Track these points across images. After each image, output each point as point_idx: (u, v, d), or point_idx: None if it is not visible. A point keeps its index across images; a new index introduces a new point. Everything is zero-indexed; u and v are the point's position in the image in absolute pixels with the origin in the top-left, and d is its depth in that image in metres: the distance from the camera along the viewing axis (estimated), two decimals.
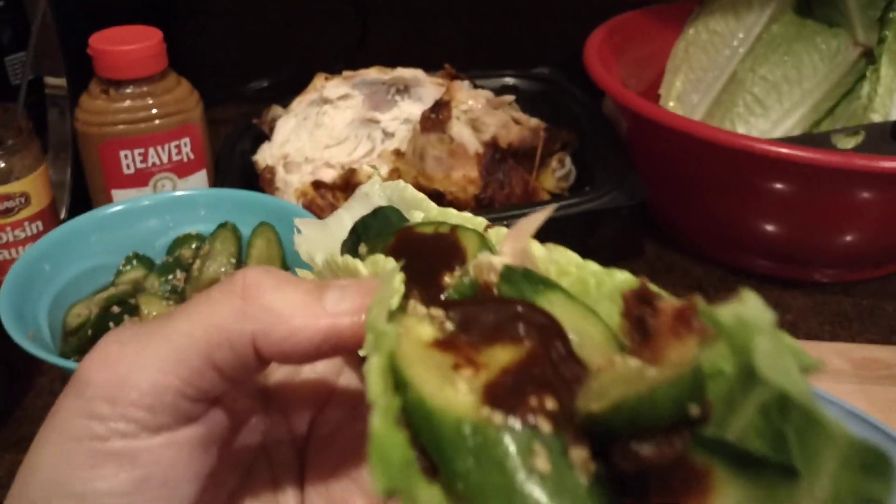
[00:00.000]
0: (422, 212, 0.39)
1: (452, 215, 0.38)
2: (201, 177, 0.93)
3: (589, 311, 0.30)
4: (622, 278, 0.31)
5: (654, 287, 0.30)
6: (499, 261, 0.32)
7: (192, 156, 0.92)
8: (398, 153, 0.92)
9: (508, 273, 0.31)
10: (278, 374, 0.38)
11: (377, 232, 0.39)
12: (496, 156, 0.89)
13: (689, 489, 0.23)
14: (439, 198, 0.88)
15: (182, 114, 0.90)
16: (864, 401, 0.74)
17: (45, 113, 0.98)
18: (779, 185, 0.87)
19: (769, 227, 0.92)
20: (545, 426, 0.25)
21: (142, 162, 0.89)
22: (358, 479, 0.37)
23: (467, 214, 0.38)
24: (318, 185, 0.90)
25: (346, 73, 0.98)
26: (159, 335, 0.31)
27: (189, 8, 1.29)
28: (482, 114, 0.90)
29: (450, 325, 0.29)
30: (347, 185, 0.89)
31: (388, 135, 0.96)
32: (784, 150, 0.81)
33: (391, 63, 1.01)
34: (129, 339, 0.31)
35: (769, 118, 1.05)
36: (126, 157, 0.88)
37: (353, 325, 0.30)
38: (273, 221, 0.77)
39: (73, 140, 0.93)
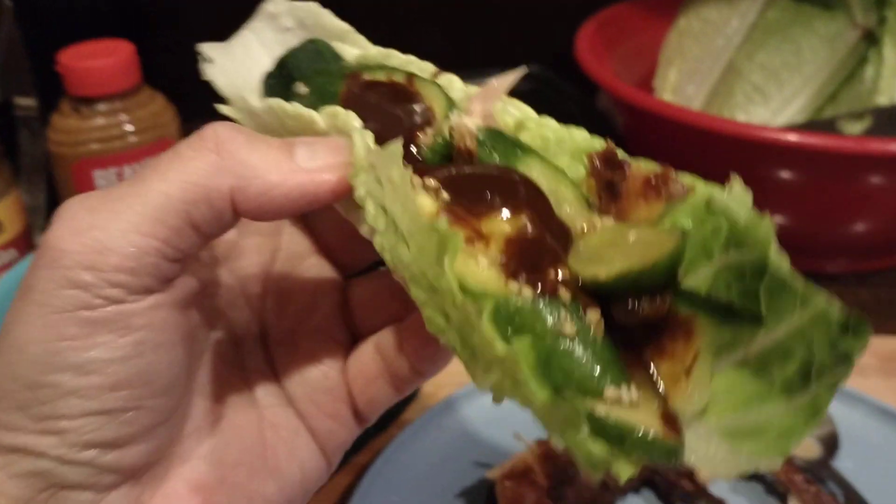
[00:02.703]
0: (352, 47, 0.40)
1: (396, 57, 0.38)
2: None
3: (560, 173, 0.33)
4: (582, 137, 0.34)
5: (620, 151, 0.33)
6: (473, 123, 0.32)
7: None
8: None
9: (487, 137, 0.32)
10: (222, 239, 0.38)
11: (316, 70, 0.38)
12: None
13: (675, 335, 0.28)
14: None
15: (158, 129, 0.86)
16: (893, 396, 0.70)
17: (16, 135, 0.93)
18: (786, 175, 0.84)
19: (777, 219, 0.87)
20: (565, 294, 0.28)
21: (118, 181, 0.84)
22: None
23: (412, 57, 0.38)
24: None
25: None
26: (133, 197, 0.30)
27: (163, 20, 1.24)
28: None
29: (445, 195, 0.30)
30: None
31: None
32: (793, 138, 0.78)
33: None
34: (98, 205, 0.30)
35: (769, 106, 1.01)
36: (101, 177, 0.83)
37: (329, 182, 0.31)
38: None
39: (47, 162, 0.89)
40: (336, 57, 0.39)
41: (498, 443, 0.64)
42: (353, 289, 0.41)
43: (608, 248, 0.30)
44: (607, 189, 0.32)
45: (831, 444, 0.64)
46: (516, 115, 0.36)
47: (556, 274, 0.29)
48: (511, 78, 0.35)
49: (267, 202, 0.31)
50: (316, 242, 0.41)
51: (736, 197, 0.29)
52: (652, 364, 0.29)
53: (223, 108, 0.40)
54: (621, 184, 0.32)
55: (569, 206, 0.32)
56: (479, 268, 0.28)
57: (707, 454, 0.28)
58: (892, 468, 0.63)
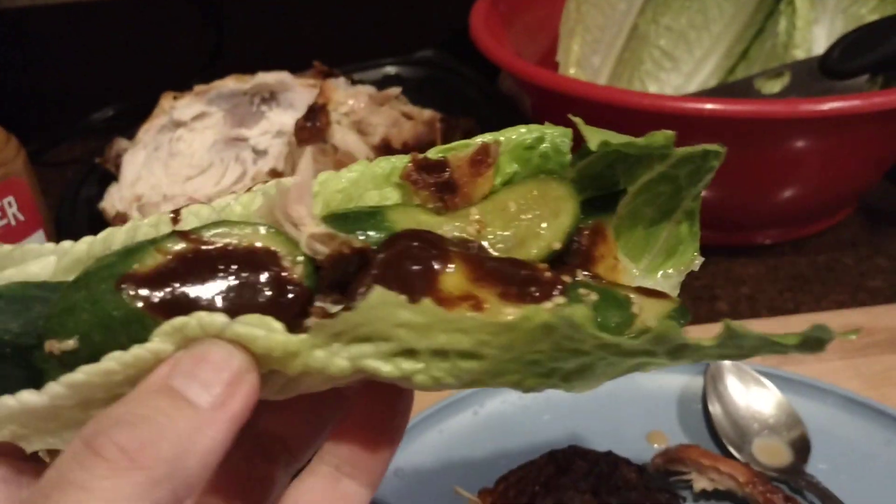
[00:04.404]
0: (31, 264, 0.32)
1: (131, 230, 0.32)
2: (38, 240, 0.76)
3: (410, 207, 0.34)
4: (379, 167, 0.35)
5: (420, 155, 0.34)
6: (317, 227, 0.30)
7: (21, 217, 0.74)
8: (275, 174, 0.78)
9: (340, 221, 0.32)
10: None
11: (86, 322, 0.29)
12: None
13: (596, 244, 0.35)
14: None
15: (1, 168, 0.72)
16: (856, 378, 0.64)
17: None
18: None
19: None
20: (567, 279, 0.32)
21: None
22: None
23: (146, 220, 0.33)
24: None
25: (197, 88, 0.82)
26: None
27: (2, 40, 1.09)
28: (367, 113, 0.77)
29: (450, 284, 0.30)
30: None
31: (259, 153, 0.81)
32: (711, 107, 0.71)
33: (253, 71, 0.86)
34: None
35: (681, 71, 0.95)
36: None
37: (245, 394, 0.28)
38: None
39: None
40: (41, 285, 0.31)
41: (436, 499, 0.56)
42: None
43: (511, 229, 0.34)
44: (442, 190, 0.34)
45: (803, 448, 0.58)
46: (324, 187, 0.34)
47: (547, 271, 0.31)
48: (306, 165, 0.34)
49: (208, 469, 0.27)
50: None
51: (537, 129, 0.35)
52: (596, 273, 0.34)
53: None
54: (452, 178, 0.34)
55: (444, 226, 0.33)
56: (520, 308, 0.29)
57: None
58: (867, 463, 0.57)
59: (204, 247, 0.29)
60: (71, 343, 0.29)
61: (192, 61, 1.14)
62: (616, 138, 0.33)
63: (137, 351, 0.27)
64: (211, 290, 0.28)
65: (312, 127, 0.75)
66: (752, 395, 0.61)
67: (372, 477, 0.34)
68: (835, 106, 0.68)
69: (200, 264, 0.29)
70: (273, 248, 0.30)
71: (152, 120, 0.81)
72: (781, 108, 0.69)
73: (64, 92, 1.12)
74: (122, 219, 0.75)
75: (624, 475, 0.55)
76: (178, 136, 0.80)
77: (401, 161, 0.35)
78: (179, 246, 0.29)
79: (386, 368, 0.28)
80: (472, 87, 0.92)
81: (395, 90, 0.82)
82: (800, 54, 0.86)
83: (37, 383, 0.29)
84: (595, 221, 0.35)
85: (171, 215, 0.32)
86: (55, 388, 0.28)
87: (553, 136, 0.35)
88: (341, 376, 0.28)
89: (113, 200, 0.78)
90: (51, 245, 0.32)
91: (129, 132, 0.85)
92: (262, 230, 0.30)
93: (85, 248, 0.32)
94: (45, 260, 0.32)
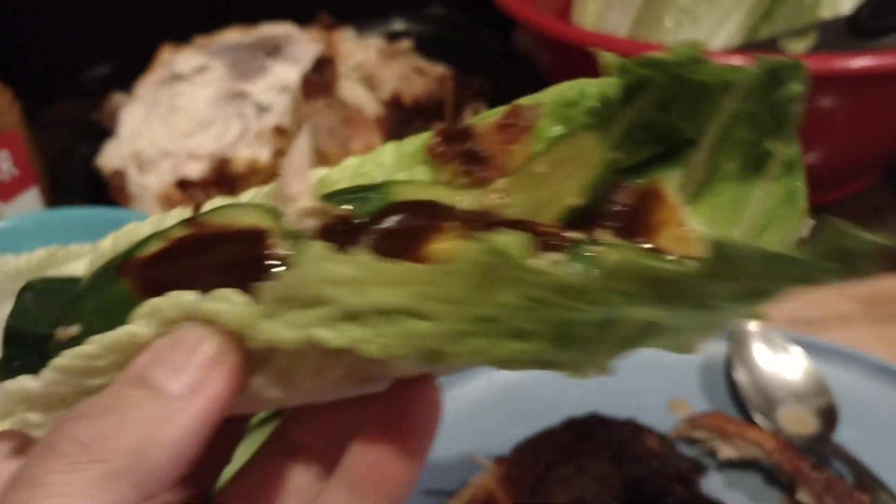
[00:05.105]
0: (74, 263, 0.33)
1: (147, 225, 0.32)
2: (32, 197, 0.73)
3: (422, 182, 0.31)
4: (411, 144, 0.32)
5: (450, 127, 0.31)
6: (309, 200, 0.29)
7: (14, 172, 0.72)
8: (279, 130, 0.75)
9: (339, 195, 0.30)
10: None
11: (70, 301, 0.30)
12: (401, 116, 0.72)
13: (650, 207, 0.30)
14: None
15: None
16: (883, 345, 0.62)
17: None
18: None
19: None
20: (576, 236, 0.28)
21: None
22: None
23: (148, 222, 0.32)
24: (184, 184, 0.72)
25: (198, 40, 0.79)
26: None
27: None
28: (377, 67, 0.74)
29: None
30: (221, 179, 0.71)
31: (262, 109, 0.78)
32: (739, 62, 0.68)
33: (257, 22, 0.82)
34: None
35: (701, 30, 0.91)
36: None
37: (221, 379, 0.26)
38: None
39: None
40: (69, 280, 0.32)
41: (452, 466, 0.53)
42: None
43: (536, 193, 0.30)
44: (470, 162, 0.31)
45: (830, 416, 0.55)
46: (320, 173, 0.32)
47: (559, 230, 0.28)
48: (303, 143, 0.31)
49: (178, 460, 0.25)
50: None
51: (578, 84, 0.31)
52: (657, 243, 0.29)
53: None
54: (478, 148, 0.31)
55: (458, 197, 0.30)
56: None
57: None
58: None
59: (201, 230, 0.29)
60: (74, 330, 0.29)
61: (193, 14, 1.10)
62: (636, 60, 0.29)
63: (114, 333, 0.27)
64: (198, 271, 0.28)
65: (320, 80, 0.72)
66: (779, 361, 0.58)
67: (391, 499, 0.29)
68: (866, 63, 0.65)
69: (194, 247, 0.29)
70: (264, 227, 0.29)
71: (151, 73, 0.78)
72: (811, 64, 0.66)
73: (59, 47, 1.08)
74: (119, 175, 0.72)
75: (646, 443, 0.53)
76: (178, 91, 0.77)
77: (418, 140, 0.32)
78: (181, 232, 0.29)
79: (331, 336, 0.25)
80: (485, 44, 0.88)
81: (406, 44, 0.79)
82: (826, 13, 0.83)
83: None
84: (648, 180, 0.30)
85: (193, 208, 0.32)
86: (47, 373, 0.28)
87: (598, 87, 0.31)
88: (293, 348, 0.25)
89: (110, 157, 0.75)
90: (88, 246, 0.33)
91: (128, 88, 0.82)
92: (256, 210, 0.30)
93: (110, 243, 0.32)
94: (83, 260, 0.33)
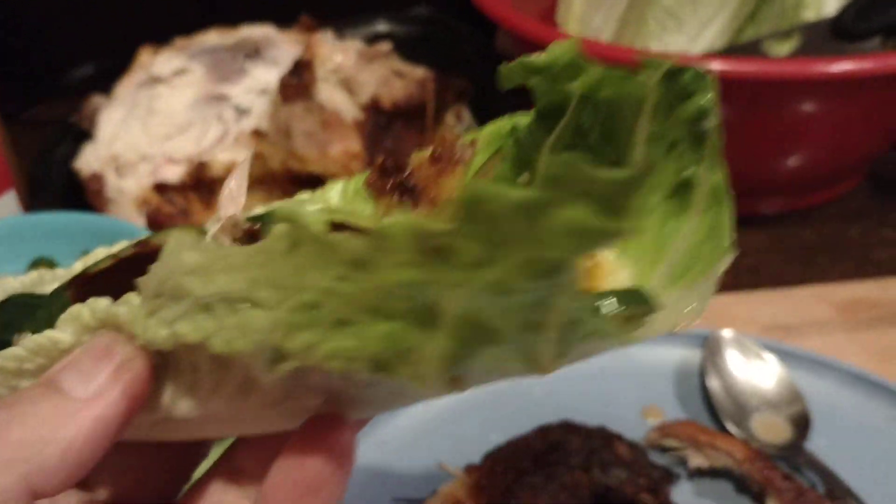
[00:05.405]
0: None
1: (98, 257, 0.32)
2: (8, 201, 0.72)
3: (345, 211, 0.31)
4: (357, 181, 0.32)
5: (385, 161, 0.31)
6: (224, 222, 0.29)
7: None
8: (258, 133, 0.74)
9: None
10: None
11: (28, 313, 0.31)
12: (380, 120, 0.72)
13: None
14: (317, 182, 0.70)
15: None
16: (861, 352, 0.62)
17: None
18: None
19: None
20: None
21: None
22: None
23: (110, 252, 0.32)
24: (162, 188, 0.71)
25: (178, 42, 0.78)
26: None
27: None
28: (355, 71, 0.73)
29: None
30: (200, 183, 0.71)
31: (242, 112, 0.77)
32: (719, 66, 0.68)
33: (237, 23, 0.82)
34: None
35: (685, 32, 0.91)
36: None
37: (131, 383, 0.27)
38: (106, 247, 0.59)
39: None
40: (42, 296, 0.32)
41: (421, 474, 0.53)
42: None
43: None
44: (403, 194, 0.31)
45: (802, 423, 0.55)
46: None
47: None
48: (243, 170, 0.32)
49: (74, 464, 0.26)
50: None
51: (514, 117, 0.32)
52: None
53: None
54: (411, 181, 0.31)
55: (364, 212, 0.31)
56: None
57: (679, 306, 0.26)
58: (869, 440, 0.55)
59: (143, 250, 0.30)
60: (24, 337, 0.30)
61: (179, 14, 1.09)
62: (514, 65, 0.28)
63: (38, 337, 0.28)
64: (127, 285, 0.28)
65: (299, 83, 0.71)
66: (752, 368, 0.58)
67: None
68: (847, 67, 0.64)
69: (132, 265, 0.29)
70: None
71: (130, 75, 0.78)
72: (791, 68, 0.66)
73: (42, 48, 1.08)
74: (97, 179, 0.72)
75: (617, 451, 0.52)
76: (156, 93, 0.77)
77: (359, 176, 0.32)
78: (128, 252, 0.30)
79: (189, 330, 0.24)
80: (469, 46, 0.88)
81: (386, 46, 0.79)
82: (810, 16, 0.82)
83: None
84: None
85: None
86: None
87: (529, 118, 0.31)
88: (170, 347, 0.25)
89: (88, 160, 0.74)
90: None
91: (110, 90, 0.82)
92: (187, 230, 0.29)
93: (80, 265, 0.33)
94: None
